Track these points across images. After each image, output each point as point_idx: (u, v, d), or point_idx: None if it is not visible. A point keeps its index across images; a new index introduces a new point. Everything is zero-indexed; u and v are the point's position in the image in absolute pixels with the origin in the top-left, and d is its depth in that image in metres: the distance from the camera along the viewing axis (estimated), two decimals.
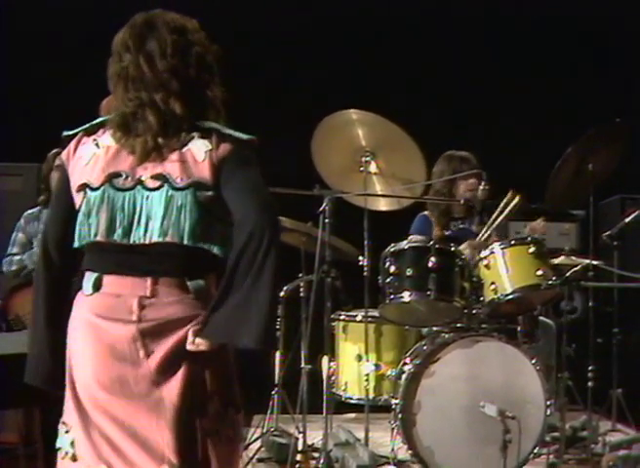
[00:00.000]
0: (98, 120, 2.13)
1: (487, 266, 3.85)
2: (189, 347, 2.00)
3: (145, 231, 2.01)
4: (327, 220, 3.86)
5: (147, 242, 2.00)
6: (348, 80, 5.80)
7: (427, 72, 5.85)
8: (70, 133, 2.15)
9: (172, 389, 2.02)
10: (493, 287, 3.81)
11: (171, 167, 2.02)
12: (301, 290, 4.38)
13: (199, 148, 2.03)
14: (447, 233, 4.46)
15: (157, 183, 2.02)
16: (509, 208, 3.99)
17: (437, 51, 5.86)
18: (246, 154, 2.04)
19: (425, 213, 4.46)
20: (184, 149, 2.03)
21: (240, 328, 1.94)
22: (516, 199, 3.98)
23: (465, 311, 3.84)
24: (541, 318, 4.39)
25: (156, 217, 2.00)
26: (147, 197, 2.02)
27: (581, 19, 5.74)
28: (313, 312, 3.84)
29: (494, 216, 4.02)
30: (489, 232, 4.01)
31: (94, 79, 2.15)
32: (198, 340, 2.00)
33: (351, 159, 4.03)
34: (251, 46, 5.43)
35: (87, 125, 2.13)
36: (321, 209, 3.87)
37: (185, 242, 1.99)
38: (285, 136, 5.09)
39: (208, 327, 1.98)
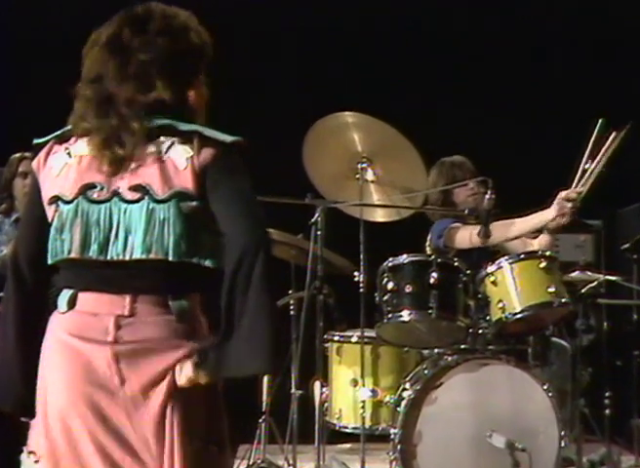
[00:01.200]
0: (70, 126, 2.13)
1: (494, 282, 3.86)
2: (182, 382, 2.01)
3: (125, 247, 2.02)
4: (319, 232, 3.89)
5: (127, 258, 2.01)
6: (343, 80, 5.82)
7: (429, 72, 5.88)
8: (41, 140, 2.16)
9: (145, 425, 2.02)
10: (500, 305, 3.82)
11: (150, 177, 2.02)
12: (291, 307, 4.39)
13: (180, 155, 2.04)
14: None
15: (136, 195, 2.03)
16: (606, 146, 3.81)
17: (440, 50, 5.91)
18: (231, 159, 2.04)
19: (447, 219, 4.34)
20: (165, 157, 2.04)
21: (246, 358, 1.96)
22: (612, 134, 3.78)
23: (470, 331, 3.85)
24: (554, 339, 4.40)
25: (137, 233, 2.01)
26: (125, 210, 2.03)
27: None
28: (304, 332, 3.87)
29: (585, 158, 3.79)
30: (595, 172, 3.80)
31: (63, 79, 2.13)
32: (196, 374, 2.00)
33: (346, 166, 4.06)
34: (236, 43, 5.45)
35: (59, 132, 2.14)
36: (313, 219, 3.90)
37: (171, 258, 1.99)
38: (274, 140, 5.14)
39: (209, 359, 1.99)
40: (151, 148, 2.04)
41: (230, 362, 1.97)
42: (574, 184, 3.84)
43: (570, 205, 3.83)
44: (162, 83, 2.05)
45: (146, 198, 2.02)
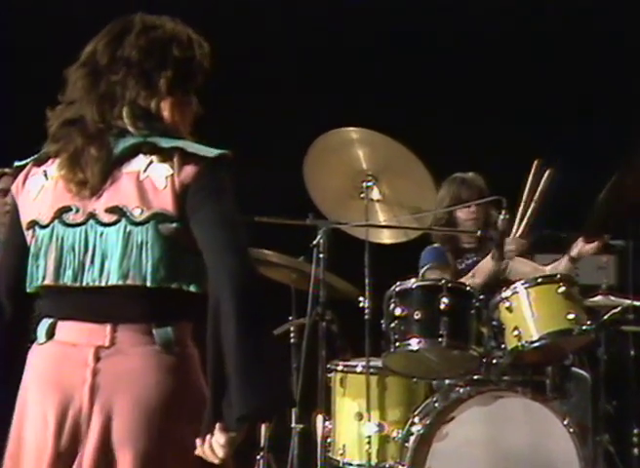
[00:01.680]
0: (49, 147, 2.14)
1: (509, 308, 3.81)
2: (220, 455, 1.97)
3: (101, 272, 2.01)
4: (321, 255, 3.86)
5: (103, 284, 2.00)
6: (346, 93, 5.76)
7: (438, 83, 5.84)
8: (21, 163, 2.17)
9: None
10: (516, 332, 3.77)
11: (127, 198, 2.02)
12: (292, 335, 4.36)
13: (159, 174, 2.02)
14: (460, 267, 4.45)
15: (113, 217, 2.02)
16: (541, 185, 3.98)
17: (449, 60, 5.87)
18: (215, 176, 2.02)
19: (435, 244, 4.47)
20: (143, 176, 2.03)
21: (245, 404, 1.94)
22: (546, 173, 3.97)
23: (484, 361, 3.81)
24: (574, 369, 4.33)
25: (113, 257, 2.01)
26: (102, 234, 2.02)
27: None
28: (305, 361, 3.83)
29: (524, 198, 4.00)
30: (522, 225, 4.00)
31: (42, 90, 2.20)
32: (221, 440, 1.96)
33: (350, 184, 4.04)
34: (234, 55, 5.33)
35: (38, 153, 2.15)
36: (315, 241, 3.87)
37: (149, 284, 1.99)
38: (273, 156, 5.15)
39: (231, 415, 1.95)
40: (129, 167, 2.04)
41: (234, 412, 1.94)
42: (514, 228, 4.02)
43: (512, 252, 4.00)
44: (137, 99, 2.06)
45: (123, 220, 2.01)
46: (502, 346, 3.81)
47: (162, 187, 2.02)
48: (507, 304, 3.81)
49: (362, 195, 4.00)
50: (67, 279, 2.03)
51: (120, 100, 2.06)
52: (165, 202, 2.01)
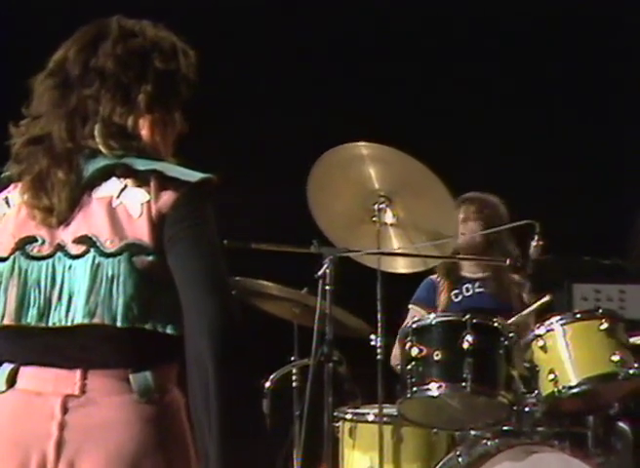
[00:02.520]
0: (10, 169, 2.11)
1: (543, 348, 3.70)
2: None
3: (67, 310, 1.96)
4: (328, 287, 3.78)
5: (69, 324, 1.95)
6: (355, 103, 5.69)
7: (460, 93, 5.79)
8: None
9: None
10: (552, 376, 3.65)
11: (98, 226, 1.99)
12: (294, 378, 4.28)
13: (134, 200, 1.99)
14: (456, 300, 4.48)
15: (81, 248, 1.98)
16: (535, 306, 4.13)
17: (475, 65, 5.83)
18: (196, 206, 1.99)
19: (433, 276, 4.52)
20: (116, 202, 2.00)
21: None
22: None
23: (515, 409, 3.70)
24: (620, 424, 4.20)
25: (80, 293, 1.97)
26: (70, 266, 1.98)
27: None
28: (309, 408, 3.74)
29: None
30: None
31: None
32: None
33: (360, 206, 3.97)
34: (231, 67, 5.49)
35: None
36: (320, 272, 3.78)
37: (119, 324, 1.94)
38: (273, 175, 5.13)
39: None
40: (100, 192, 2.01)
41: None
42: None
43: None
44: (112, 116, 2.04)
45: (92, 251, 1.97)
46: (536, 392, 3.72)
47: (137, 215, 1.98)
48: (541, 343, 3.71)
49: (374, 219, 3.94)
50: (31, 318, 1.98)
51: (92, 117, 2.03)
52: (140, 232, 1.97)
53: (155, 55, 2.06)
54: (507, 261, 3.96)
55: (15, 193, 2.06)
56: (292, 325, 4.24)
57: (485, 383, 3.63)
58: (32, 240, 2.01)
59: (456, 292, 4.44)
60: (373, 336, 3.80)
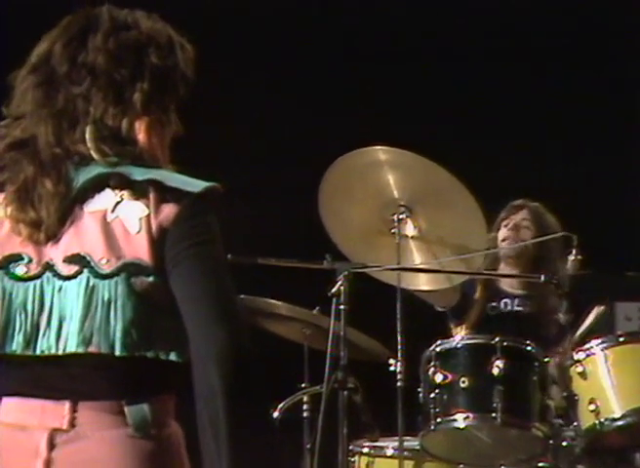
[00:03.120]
0: None
1: (582, 375, 3.62)
2: None
3: (58, 338, 1.93)
4: (342, 306, 3.71)
5: (60, 352, 1.91)
6: (372, 104, 5.64)
7: (491, 92, 5.72)
8: None
9: None
10: (592, 406, 3.57)
11: (92, 244, 1.95)
12: (305, 408, 4.22)
13: (131, 214, 1.95)
14: (492, 313, 4.40)
15: (73, 269, 1.94)
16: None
17: (501, 68, 5.76)
18: (200, 220, 1.96)
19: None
20: (111, 217, 1.96)
21: None
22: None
23: (551, 443, 3.63)
24: None
25: (72, 318, 1.93)
26: (60, 288, 1.95)
27: None
28: (322, 441, 3.65)
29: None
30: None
31: None
32: None
33: (378, 217, 3.93)
34: (235, 65, 5.44)
35: None
36: (334, 289, 3.71)
37: (118, 352, 1.90)
38: (281, 183, 5.12)
39: None
40: (93, 205, 1.98)
41: None
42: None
43: None
44: (104, 118, 2.00)
45: (86, 272, 1.94)
46: (575, 424, 3.65)
47: (135, 231, 1.94)
48: (580, 369, 3.63)
49: (393, 231, 3.89)
50: (17, 346, 1.94)
51: (82, 119, 2.00)
52: (139, 250, 1.94)
53: (151, 49, 2.03)
54: (542, 277, 3.89)
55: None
56: (302, 348, 4.20)
57: (517, 414, 3.58)
58: (17, 258, 1.97)
59: (493, 304, 4.41)
60: (392, 361, 3.74)
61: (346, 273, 3.70)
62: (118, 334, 1.91)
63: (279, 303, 4.01)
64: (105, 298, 1.92)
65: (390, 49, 5.73)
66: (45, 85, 2.01)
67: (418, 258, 3.97)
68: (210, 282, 1.93)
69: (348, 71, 5.71)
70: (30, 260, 1.96)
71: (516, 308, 4.37)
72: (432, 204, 3.91)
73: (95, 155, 1.97)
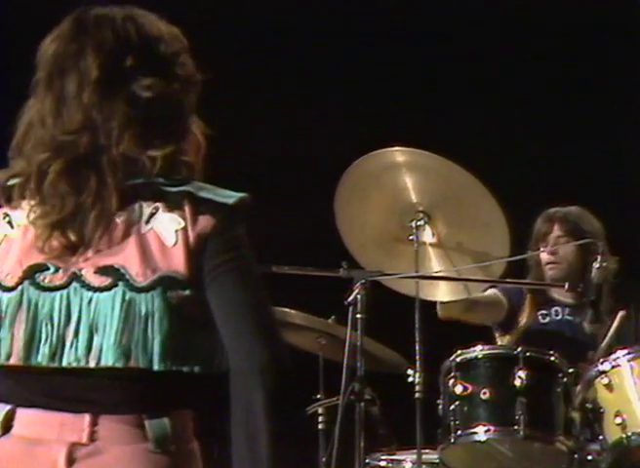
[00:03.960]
0: (7, 181, 2.04)
1: (608, 386, 3.58)
2: None
3: (88, 351, 1.92)
4: (359, 315, 3.70)
5: (93, 365, 1.92)
6: (389, 104, 5.59)
7: (512, 93, 5.67)
8: None
9: None
10: (619, 420, 3.53)
11: (126, 256, 1.95)
12: (320, 420, 4.22)
13: (167, 226, 1.96)
14: (543, 321, 4.35)
15: (106, 280, 1.94)
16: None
17: (524, 66, 5.69)
18: (235, 229, 1.98)
19: None
20: (145, 229, 1.96)
21: None
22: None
23: (575, 457, 3.59)
24: None
25: (107, 332, 1.93)
26: (90, 300, 1.94)
27: None
28: (338, 454, 3.66)
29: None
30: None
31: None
32: None
33: (395, 223, 3.94)
34: (251, 67, 5.43)
35: None
36: (350, 298, 3.71)
37: (156, 367, 1.91)
38: (296, 190, 5.16)
39: None
40: (126, 216, 1.98)
41: None
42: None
43: None
44: (147, 120, 2.00)
45: (121, 285, 1.94)
46: (600, 438, 3.62)
47: (171, 244, 1.95)
48: (606, 381, 3.59)
49: (411, 237, 3.89)
50: (42, 358, 1.94)
51: (132, 123, 2.00)
52: (175, 263, 1.94)
53: (179, 59, 2.04)
54: (566, 285, 3.88)
55: (18, 211, 2.02)
56: (317, 358, 4.20)
57: (540, 427, 3.55)
58: (43, 268, 1.97)
59: (543, 312, 4.32)
60: (410, 372, 3.74)
61: (363, 281, 3.69)
62: (156, 349, 1.92)
63: (293, 312, 4.00)
64: (143, 312, 1.93)
65: (407, 48, 5.69)
66: (113, 93, 2.00)
67: (436, 266, 3.96)
68: (250, 296, 1.96)
69: (363, 71, 5.67)
70: (57, 270, 1.96)
71: (567, 317, 4.34)
72: (453, 208, 3.90)
73: (137, 165, 1.99)
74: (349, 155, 3.93)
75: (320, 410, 4.17)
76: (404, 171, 3.87)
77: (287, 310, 3.99)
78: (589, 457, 3.63)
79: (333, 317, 4.09)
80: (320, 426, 4.18)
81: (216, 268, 1.95)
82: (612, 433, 3.55)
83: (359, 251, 3.90)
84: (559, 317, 4.33)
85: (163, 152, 2.01)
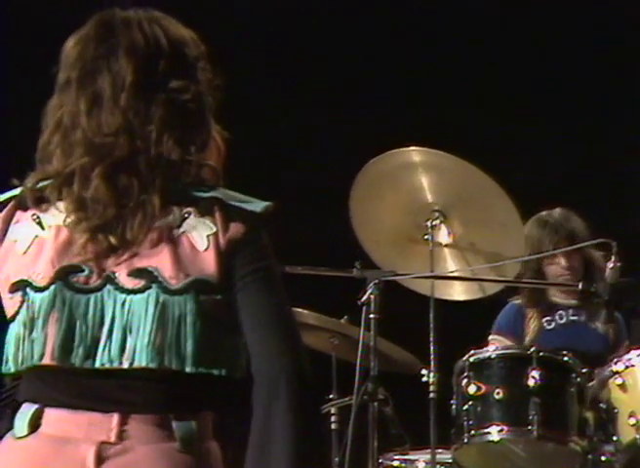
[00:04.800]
0: (38, 183, 2.04)
1: (622, 387, 3.58)
2: None
3: (121, 351, 1.94)
4: (372, 315, 3.71)
5: (126, 366, 1.94)
6: (404, 104, 5.63)
7: (528, 91, 5.68)
8: None
9: None
10: (633, 420, 3.52)
11: (159, 259, 1.97)
12: (333, 420, 4.21)
13: (199, 231, 1.98)
14: (549, 327, 4.34)
15: (139, 283, 1.96)
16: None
17: (539, 65, 5.73)
18: (264, 241, 2.02)
19: (517, 301, 4.36)
20: (177, 233, 1.98)
21: None
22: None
23: (589, 458, 3.60)
24: None
25: (140, 333, 1.95)
26: (124, 302, 1.96)
27: None
28: (351, 454, 3.68)
29: None
30: None
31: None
32: None
33: (411, 222, 3.94)
34: (264, 66, 5.48)
35: (19, 189, 2.06)
36: (364, 298, 3.72)
37: (188, 369, 1.94)
38: (311, 189, 5.17)
39: None
40: (160, 219, 2.00)
41: None
42: None
43: None
44: (180, 125, 2.02)
45: (154, 287, 1.96)
46: (614, 438, 3.61)
47: (203, 248, 1.97)
48: (620, 381, 3.59)
49: (426, 237, 3.89)
50: (77, 358, 1.95)
51: (166, 127, 2.02)
52: (207, 267, 1.96)
53: (200, 65, 2.07)
54: (580, 285, 3.87)
55: (49, 212, 2.03)
56: (330, 358, 4.19)
57: (554, 427, 3.55)
58: (77, 269, 1.98)
59: (547, 318, 4.32)
60: (424, 372, 3.74)
61: (377, 281, 3.69)
62: (189, 351, 1.94)
63: (306, 312, 3.99)
64: (176, 315, 1.95)
65: (425, 47, 5.71)
66: (145, 96, 2.01)
67: (451, 266, 3.96)
68: (278, 305, 1.99)
69: (380, 71, 5.68)
70: (91, 272, 1.98)
71: (572, 318, 4.32)
72: (468, 209, 3.90)
73: (170, 169, 2.00)
74: (365, 154, 3.92)
75: (333, 410, 4.16)
76: (420, 170, 3.88)
77: (300, 310, 3.97)
78: (603, 458, 3.63)
79: (346, 317, 4.10)
80: (333, 426, 4.17)
81: (246, 276, 1.98)
82: (626, 433, 3.54)
83: (374, 250, 3.90)
84: (563, 320, 4.33)
85: (197, 156, 2.04)
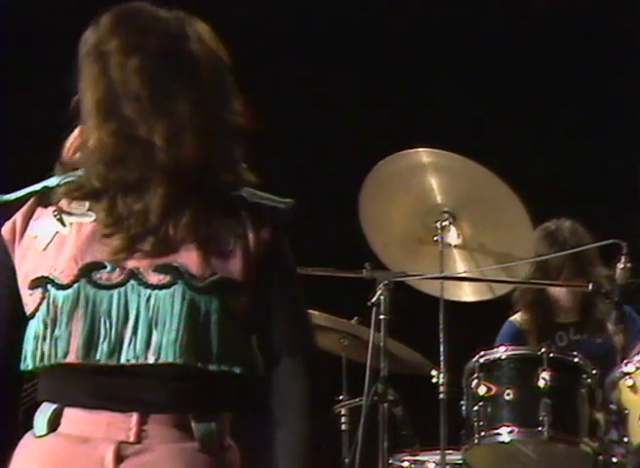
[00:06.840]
0: (59, 179, 2.06)
1: (633, 388, 3.55)
2: None
3: (147, 347, 1.96)
4: (382, 316, 3.75)
5: (151, 361, 1.96)
6: (413, 104, 5.62)
7: (538, 92, 5.66)
8: (12, 197, 2.09)
9: None
10: None
11: (184, 256, 1.99)
12: (344, 421, 4.25)
13: (225, 230, 2.02)
14: (560, 344, 4.39)
15: (164, 278, 1.98)
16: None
17: (549, 66, 5.68)
18: (286, 239, 2.07)
19: (514, 318, 4.40)
20: (204, 231, 2.01)
21: None
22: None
23: (600, 459, 3.61)
24: None
25: (167, 329, 1.96)
26: (149, 297, 1.98)
27: None
28: (361, 455, 3.72)
29: None
30: None
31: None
32: None
33: (420, 224, 3.97)
34: (273, 67, 5.45)
35: (39, 186, 2.08)
36: (374, 299, 3.76)
37: (213, 367, 1.96)
38: (320, 190, 5.15)
39: None
40: (186, 216, 2.01)
41: None
42: None
43: None
44: (205, 121, 2.03)
45: (180, 283, 1.97)
46: (626, 440, 3.57)
47: (229, 248, 2.00)
48: (630, 382, 3.55)
49: (436, 238, 3.91)
50: (101, 355, 1.96)
51: (193, 122, 2.04)
52: (232, 267, 1.99)
53: (228, 69, 2.09)
54: (590, 286, 3.84)
55: (70, 209, 2.03)
56: (340, 359, 4.20)
57: (565, 428, 3.56)
58: (100, 266, 1.98)
59: (547, 342, 4.21)
60: (434, 372, 3.77)
61: (387, 282, 3.72)
62: (215, 349, 1.96)
63: (316, 313, 3.94)
64: (203, 312, 1.97)
65: (435, 48, 5.70)
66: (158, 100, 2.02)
67: (461, 267, 3.98)
68: (298, 307, 2.08)
69: (390, 71, 5.68)
70: (114, 268, 1.99)
71: (573, 337, 4.36)
72: (478, 210, 3.92)
73: (196, 165, 2.01)
74: (375, 155, 3.94)
75: (343, 411, 4.20)
76: (429, 171, 3.90)
77: (310, 311, 4.07)
78: (614, 459, 3.63)
79: (356, 318, 4.11)
80: (343, 427, 4.20)
81: (270, 275, 2.02)
82: (636, 435, 3.52)
83: (383, 251, 3.92)
84: (564, 342, 4.35)
85: (226, 158, 2.06)
